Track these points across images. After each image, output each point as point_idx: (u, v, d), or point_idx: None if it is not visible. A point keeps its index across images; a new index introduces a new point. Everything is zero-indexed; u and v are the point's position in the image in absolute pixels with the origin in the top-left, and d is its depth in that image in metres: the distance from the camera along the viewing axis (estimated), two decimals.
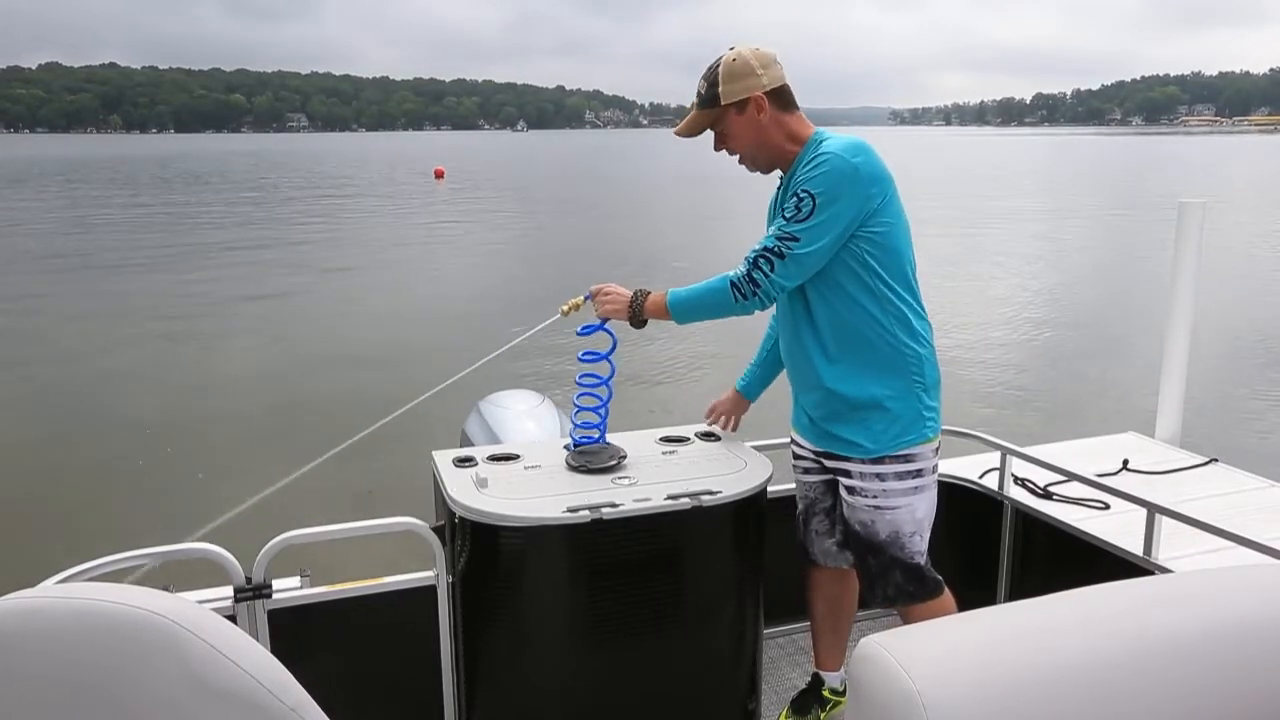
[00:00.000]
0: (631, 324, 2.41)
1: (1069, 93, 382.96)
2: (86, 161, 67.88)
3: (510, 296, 13.80)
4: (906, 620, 2.44)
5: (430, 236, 21.58)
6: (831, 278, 2.25)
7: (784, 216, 2.19)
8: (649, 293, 2.37)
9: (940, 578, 2.42)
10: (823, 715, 2.74)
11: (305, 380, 9.39)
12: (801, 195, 2.16)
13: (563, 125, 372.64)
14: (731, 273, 2.23)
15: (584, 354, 2.52)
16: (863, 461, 2.31)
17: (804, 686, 2.84)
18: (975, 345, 10.53)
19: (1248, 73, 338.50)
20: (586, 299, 2.48)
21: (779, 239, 2.18)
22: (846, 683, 2.82)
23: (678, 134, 2.43)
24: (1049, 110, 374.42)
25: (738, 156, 2.37)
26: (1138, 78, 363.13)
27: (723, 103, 2.28)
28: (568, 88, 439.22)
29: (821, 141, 2.26)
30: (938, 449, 2.36)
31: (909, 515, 2.33)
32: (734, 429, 2.74)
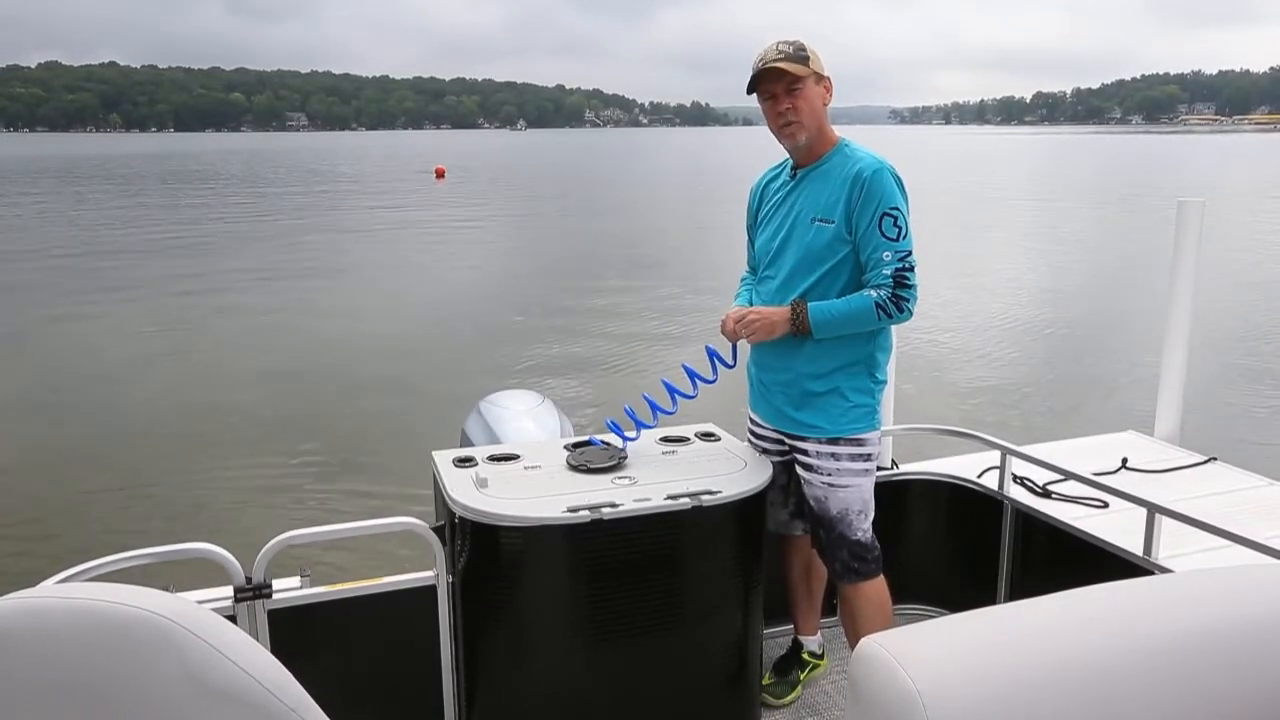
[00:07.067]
0: (797, 334, 2.45)
1: (1069, 92, 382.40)
2: (86, 160, 67.85)
3: (511, 297, 13.80)
4: (847, 609, 2.62)
5: (431, 236, 21.56)
6: (837, 276, 2.43)
7: (888, 237, 2.36)
8: (804, 304, 2.42)
9: (881, 557, 2.58)
10: (803, 676, 2.88)
11: (305, 380, 9.38)
12: (892, 214, 2.36)
13: (562, 124, 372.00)
14: (874, 295, 2.37)
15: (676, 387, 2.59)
16: (819, 441, 2.51)
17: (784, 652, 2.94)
18: (974, 344, 10.53)
19: (1248, 71, 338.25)
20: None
21: (902, 258, 2.36)
22: (824, 647, 2.89)
23: (769, 66, 2.39)
24: (1049, 109, 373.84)
25: (791, 120, 2.43)
26: (1138, 76, 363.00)
27: (811, 67, 2.43)
28: (567, 86, 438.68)
29: (865, 155, 2.45)
30: (879, 440, 2.59)
31: (858, 495, 2.54)
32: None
